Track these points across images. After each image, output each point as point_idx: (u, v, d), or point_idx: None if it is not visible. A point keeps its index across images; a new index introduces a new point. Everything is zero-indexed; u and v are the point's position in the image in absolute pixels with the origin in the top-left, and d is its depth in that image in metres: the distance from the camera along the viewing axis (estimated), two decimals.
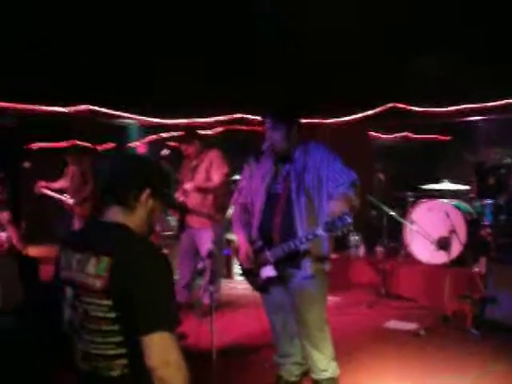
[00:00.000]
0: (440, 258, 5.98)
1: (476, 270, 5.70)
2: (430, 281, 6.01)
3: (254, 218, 3.51)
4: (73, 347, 1.99)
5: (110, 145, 11.43)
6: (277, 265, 3.34)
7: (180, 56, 7.07)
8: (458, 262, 5.85)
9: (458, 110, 7.77)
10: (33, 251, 7.07)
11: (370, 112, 8.37)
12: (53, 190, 7.27)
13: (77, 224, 7.28)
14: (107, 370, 1.89)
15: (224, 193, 5.71)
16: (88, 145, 8.45)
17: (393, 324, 5.32)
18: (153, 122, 8.75)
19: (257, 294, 6.09)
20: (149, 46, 6.74)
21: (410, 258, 6.50)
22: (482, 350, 4.52)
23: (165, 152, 5.57)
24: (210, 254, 3.69)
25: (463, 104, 7.61)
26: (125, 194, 2.01)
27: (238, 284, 6.84)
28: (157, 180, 2.10)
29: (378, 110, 8.28)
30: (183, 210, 5.12)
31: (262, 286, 3.51)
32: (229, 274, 7.21)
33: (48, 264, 5.60)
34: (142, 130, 11.06)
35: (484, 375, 4.00)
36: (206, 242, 5.29)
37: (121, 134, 10.81)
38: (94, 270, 1.87)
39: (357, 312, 5.65)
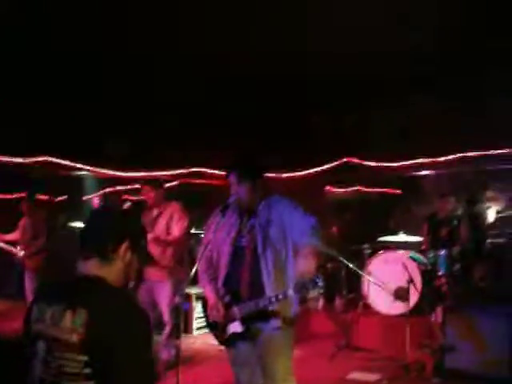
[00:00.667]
0: (398, 308, 6.08)
1: (433, 319, 5.83)
2: (390, 331, 6.08)
3: (220, 271, 3.50)
4: None
5: (64, 197, 11.26)
6: (244, 320, 3.33)
7: (139, 110, 7.12)
8: (415, 311, 5.95)
9: (409, 164, 8.06)
10: None
11: (324, 167, 8.58)
12: (5, 242, 7.08)
13: (27, 278, 7.07)
14: None
15: (183, 246, 5.69)
16: (43, 197, 8.29)
17: (356, 375, 5.33)
18: (110, 174, 8.69)
19: (216, 349, 6.06)
20: (108, 97, 6.77)
21: (370, 309, 6.57)
22: None
23: (127, 205, 5.54)
24: (176, 308, 3.65)
25: (414, 158, 7.91)
26: (103, 246, 2.01)
27: (196, 338, 6.74)
28: (135, 232, 2.11)
29: (332, 164, 8.50)
30: (149, 261, 5.08)
31: (227, 341, 3.48)
32: (187, 329, 7.08)
33: None
34: (97, 182, 10.97)
35: None
36: (164, 295, 5.24)
37: (76, 186, 10.68)
38: (70, 323, 1.83)
39: (319, 364, 5.64)
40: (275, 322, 3.33)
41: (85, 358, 1.79)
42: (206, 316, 3.56)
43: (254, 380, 3.52)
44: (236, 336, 3.40)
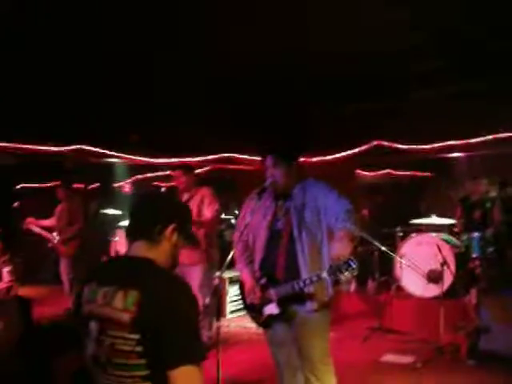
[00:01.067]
0: (432, 290, 6.09)
1: (467, 301, 5.82)
2: (424, 313, 6.09)
3: (256, 254, 3.56)
4: (95, 382, 2.01)
5: (96, 184, 11.47)
6: (280, 303, 3.39)
7: (167, 96, 7.18)
8: (449, 294, 5.94)
9: (440, 146, 7.98)
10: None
11: (355, 150, 8.55)
12: (41, 228, 7.25)
13: (62, 264, 7.24)
14: None
15: (214, 229, 5.77)
16: (78, 185, 8.47)
17: (389, 357, 5.36)
18: (140, 160, 8.80)
19: (250, 332, 6.17)
20: (136, 86, 6.83)
21: (403, 292, 6.58)
22: (479, 379, 4.60)
23: (163, 191, 5.63)
24: (215, 290, 3.73)
25: (446, 141, 7.83)
26: (151, 228, 2.07)
27: (230, 321, 6.84)
28: (181, 215, 2.18)
29: (362, 148, 8.47)
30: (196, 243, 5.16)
31: (264, 322, 3.54)
32: (221, 312, 7.18)
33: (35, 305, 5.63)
34: (127, 169, 11.13)
35: None
36: (196, 278, 5.33)
37: (107, 173, 10.85)
38: (122, 303, 1.89)
39: (352, 346, 5.68)
40: (310, 305, 3.37)
41: (136, 336, 1.85)
42: (244, 298, 3.62)
43: (292, 360, 3.58)
44: (272, 318, 3.45)
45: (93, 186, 11.21)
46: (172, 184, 6.19)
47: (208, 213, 5.45)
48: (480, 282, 6.08)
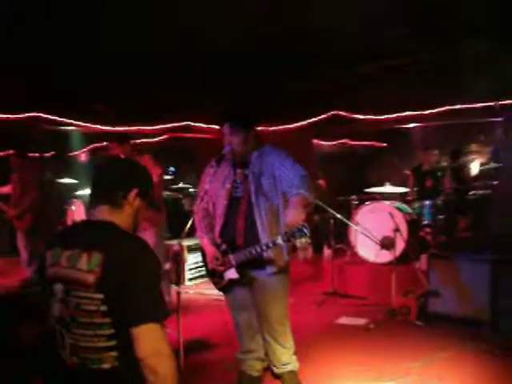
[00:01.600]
0: (385, 256, 6.30)
1: (418, 266, 6.07)
2: (377, 278, 6.31)
3: (216, 221, 3.63)
4: (60, 343, 2.07)
5: (51, 153, 11.25)
6: (239, 268, 3.49)
7: (128, 64, 7.09)
8: (401, 259, 6.17)
9: (395, 117, 8.17)
10: None
11: (313, 119, 8.66)
12: None
13: (19, 237, 7.11)
14: (98, 363, 1.98)
15: (159, 193, 5.79)
16: (33, 154, 8.29)
17: (344, 320, 5.56)
18: (98, 129, 8.69)
19: (208, 298, 6.30)
20: (97, 52, 6.72)
21: (357, 258, 6.80)
22: (428, 339, 4.82)
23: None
24: (175, 255, 3.79)
25: (401, 112, 8.02)
26: (114, 193, 2.13)
27: (189, 289, 6.95)
28: (143, 180, 2.24)
29: (320, 117, 8.58)
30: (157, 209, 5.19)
31: (225, 287, 3.65)
32: (180, 280, 7.27)
33: None
34: (84, 138, 10.95)
35: (432, 361, 4.30)
36: (150, 244, 5.38)
37: (62, 141, 10.66)
38: (86, 265, 1.97)
39: (309, 310, 5.86)
40: (270, 269, 3.49)
41: (101, 296, 1.93)
42: (206, 264, 3.70)
43: (251, 323, 3.72)
44: (233, 283, 3.56)
45: (48, 154, 10.98)
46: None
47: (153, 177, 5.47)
48: (430, 248, 6.33)
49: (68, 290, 2.02)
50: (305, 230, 3.10)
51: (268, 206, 3.49)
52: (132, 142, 5.72)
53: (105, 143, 10.79)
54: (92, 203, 2.17)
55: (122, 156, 5.50)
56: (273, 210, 3.50)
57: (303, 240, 3.17)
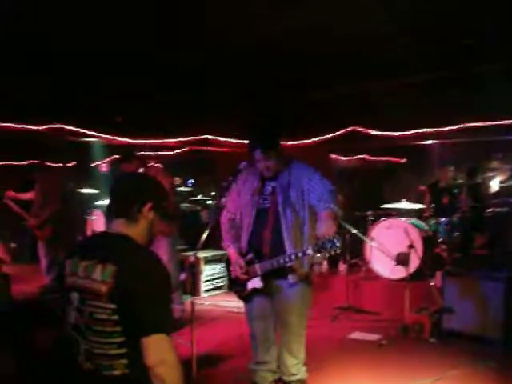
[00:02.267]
0: (399, 273, 6.31)
1: (433, 283, 6.06)
2: (391, 294, 6.32)
3: (244, 231, 3.74)
4: (76, 348, 2.16)
5: (73, 163, 11.45)
6: (264, 277, 3.59)
7: (147, 77, 7.24)
8: (416, 276, 6.17)
9: (413, 133, 8.19)
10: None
11: (331, 135, 8.72)
12: (21, 201, 7.26)
13: (40, 246, 7.24)
14: (110, 369, 2.07)
15: (172, 203, 5.87)
16: (56, 164, 8.47)
17: (357, 335, 5.59)
18: (119, 141, 8.85)
19: (224, 310, 6.35)
20: (117, 66, 6.87)
21: (372, 274, 6.82)
22: (441, 356, 4.83)
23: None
24: (191, 266, 3.88)
25: (418, 128, 8.04)
26: (129, 207, 2.24)
27: (204, 300, 7.02)
28: (157, 194, 2.34)
29: (338, 132, 8.64)
30: (175, 217, 5.31)
31: (247, 296, 3.74)
32: (196, 291, 7.35)
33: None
34: (105, 149, 11.13)
35: (443, 379, 4.31)
36: (163, 253, 5.47)
37: (84, 152, 10.85)
38: (100, 276, 2.07)
39: (323, 324, 5.88)
40: (291, 278, 3.59)
41: (112, 306, 2.03)
42: (229, 273, 3.81)
43: (268, 334, 3.80)
44: (255, 291, 3.67)
45: (70, 164, 11.18)
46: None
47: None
48: (445, 265, 6.33)
49: (83, 299, 2.12)
50: (336, 242, 3.20)
51: (294, 218, 3.60)
52: (147, 154, 5.86)
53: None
54: (109, 217, 2.28)
55: (130, 170, 5.62)
56: (299, 221, 3.62)
57: (332, 252, 3.25)
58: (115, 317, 2.03)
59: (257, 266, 3.59)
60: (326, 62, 6.96)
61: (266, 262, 3.56)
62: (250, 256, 3.63)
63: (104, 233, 2.34)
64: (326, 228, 3.32)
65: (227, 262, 3.85)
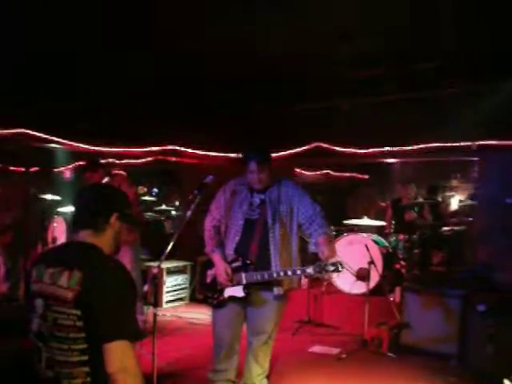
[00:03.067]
0: (360, 288, 6.45)
1: (392, 298, 6.20)
2: (351, 309, 6.43)
3: (229, 241, 3.79)
4: (38, 356, 2.15)
5: (35, 169, 11.26)
6: (246, 287, 3.64)
7: (117, 86, 7.21)
8: (376, 291, 6.29)
9: (376, 152, 8.36)
10: None
11: (296, 150, 8.82)
12: None
13: None
14: (70, 378, 2.07)
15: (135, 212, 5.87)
16: (18, 169, 8.33)
17: (317, 349, 5.66)
18: (83, 148, 8.75)
19: (185, 321, 6.33)
20: (85, 72, 6.83)
21: (333, 288, 6.91)
22: (399, 371, 4.95)
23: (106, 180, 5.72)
24: (153, 278, 3.86)
25: (382, 146, 8.21)
26: (95, 218, 2.27)
27: (166, 311, 6.99)
28: (122, 204, 2.38)
29: (303, 148, 8.75)
30: (140, 225, 5.29)
31: (220, 303, 3.77)
32: (158, 302, 7.30)
33: None
34: (69, 155, 10.98)
35: None
36: (127, 261, 5.45)
37: (47, 158, 10.68)
38: (66, 282, 2.09)
39: (284, 338, 5.90)
40: (276, 290, 3.66)
41: (78, 312, 2.05)
42: (204, 277, 3.87)
43: (233, 343, 3.83)
44: (230, 300, 3.71)
45: (32, 169, 10.99)
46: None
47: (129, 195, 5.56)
48: (404, 281, 6.47)
49: (48, 305, 2.13)
50: (339, 267, 3.31)
51: (282, 231, 3.68)
52: (112, 162, 5.85)
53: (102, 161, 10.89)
54: (75, 227, 2.30)
55: (99, 181, 5.61)
56: (286, 236, 3.71)
57: (332, 274, 3.35)
58: (80, 323, 2.04)
59: (242, 275, 3.64)
60: (290, 79, 7.11)
61: (253, 272, 3.60)
62: (236, 264, 3.67)
63: (71, 242, 2.37)
64: (329, 251, 3.44)
65: (203, 266, 3.90)
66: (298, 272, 3.48)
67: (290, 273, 3.50)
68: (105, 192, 2.46)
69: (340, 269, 3.31)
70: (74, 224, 2.31)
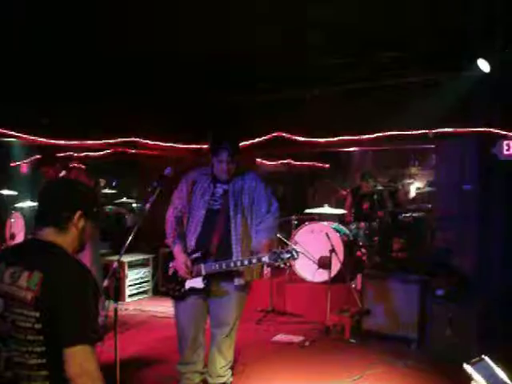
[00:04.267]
0: (322, 276, 6.52)
1: (353, 286, 6.29)
2: (314, 297, 6.49)
3: (191, 231, 3.77)
4: None
5: None
6: (206, 277, 3.63)
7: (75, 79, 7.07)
8: (337, 279, 6.37)
9: (335, 141, 8.43)
10: None
11: (256, 140, 8.81)
12: None
13: None
14: (28, 381, 2.02)
15: None
16: None
17: (280, 337, 5.71)
18: (41, 141, 8.56)
19: (148, 315, 6.30)
20: (40, 67, 6.67)
21: (295, 277, 6.97)
22: (361, 356, 5.04)
23: (62, 174, 5.62)
24: (114, 272, 3.80)
25: (341, 135, 8.29)
26: (59, 216, 2.20)
27: (129, 305, 6.93)
28: (87, 202, 2.30)
29: (263, 138, 8.76)
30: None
31: (181, 294, 3.75)
32: (120, 296, 7.23)
33: None
34: (25, 149, 10.72)
35: (364, 377, 4.50)
36: (87, 259, 5.39)
37: (3, 152, 10.40)
38: (26, 283, 2.03)
39: (247, 328, 5.93)
40: (237, 281, 3.67)
41: (36, 314, 2.00)
42: (167, 269, 3.83)
43: (198, 336, 3.83)
44: (191, 292, 3.69)
45: None
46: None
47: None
48: (365, 268, 6.58)
49: (7, 306, 2.07)
50: (294, 254, 3.33)
51: (244, 222, 3.71)
52: (69, 154, 5.75)
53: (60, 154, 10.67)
54: (38, 224, 2.23)
55: (57, 175, 5.51)
56: (247, 226, 3.72)
57: (288, 261, 3.35)
58: (38, 325, 1.99)
59: (201, 266, 3.63)
60: (250, 68, 7.10)
61: (211, 263, 3.60)
62: (196, 255, 3.66)
63: (32, 240, 2.28)
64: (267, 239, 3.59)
65: (166, 257, 3.86)
66: (254, 260, 3.47)
67: (246, 262, 3.49)
68: (68, 189, 2.37)
69: (296, 256, 3.35)
70: (37, 220, 2.23)
